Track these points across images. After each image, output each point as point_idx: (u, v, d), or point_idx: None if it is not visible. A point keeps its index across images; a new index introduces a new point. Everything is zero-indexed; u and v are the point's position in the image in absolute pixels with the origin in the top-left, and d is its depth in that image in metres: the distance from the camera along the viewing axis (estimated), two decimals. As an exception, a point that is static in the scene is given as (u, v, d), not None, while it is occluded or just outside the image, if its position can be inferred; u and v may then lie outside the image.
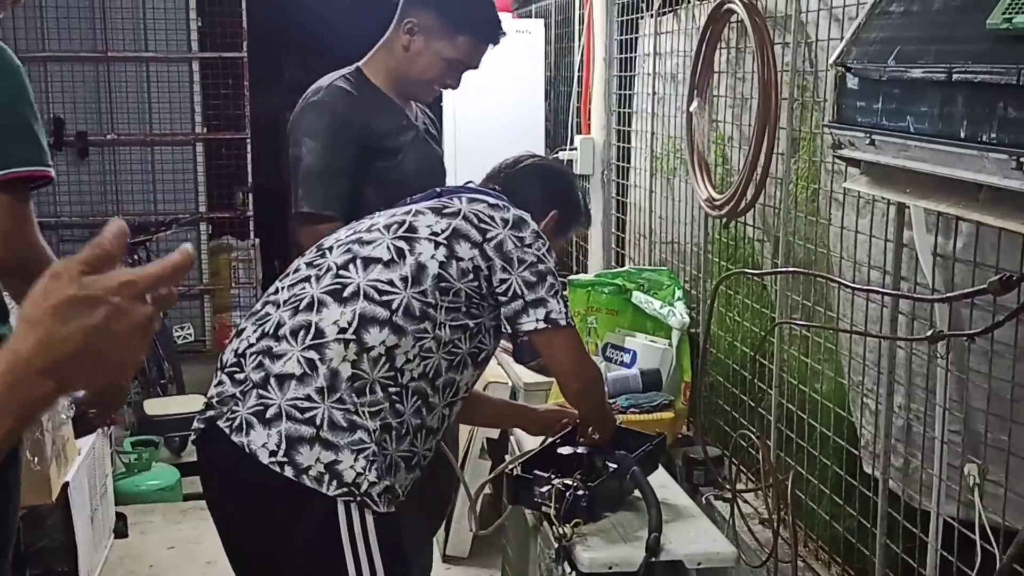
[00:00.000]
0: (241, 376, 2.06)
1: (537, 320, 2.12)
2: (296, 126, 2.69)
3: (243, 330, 2.16)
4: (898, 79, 1.67)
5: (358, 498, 1.97)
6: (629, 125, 4.00)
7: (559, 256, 2.44)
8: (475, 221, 2.15)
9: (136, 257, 6.01)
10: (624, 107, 4.04)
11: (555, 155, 4.43)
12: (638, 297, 3.38)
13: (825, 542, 2.47)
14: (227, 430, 2.01)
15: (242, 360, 2.08)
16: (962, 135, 1.51)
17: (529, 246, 2.15)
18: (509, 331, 2.18)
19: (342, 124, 2.63)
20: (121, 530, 3.95)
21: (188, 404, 4.86)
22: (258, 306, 2.21)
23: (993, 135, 1.43)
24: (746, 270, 2.71)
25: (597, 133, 4.16)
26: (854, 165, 1.89)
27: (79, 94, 7.09)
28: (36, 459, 3.04)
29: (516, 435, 3.11)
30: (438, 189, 2.33)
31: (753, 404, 2.82)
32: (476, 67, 2.74)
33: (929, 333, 1.81)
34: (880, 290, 2.03)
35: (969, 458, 1.88)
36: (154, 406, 4.83)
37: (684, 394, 3.23)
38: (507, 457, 2.87)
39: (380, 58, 2.73)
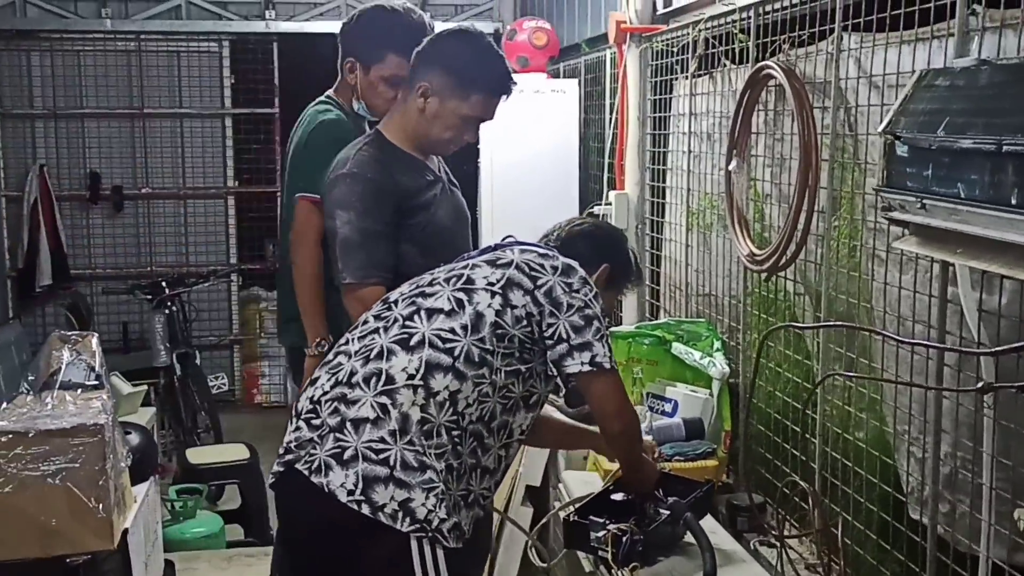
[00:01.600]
0: (318, 422, 2.21)
1: (582, 364, 2.24)
2: (329, 199, 2.78)
3: (317, 379, 2.31)
4: (948, 148, 1.79)
5: (430, 534, 2.10)
6: (663, 181, 4.14)
7: (609, 312, 2.55)
8: (527, 270, 2.29)
9: (172, 308, 6.15)
10: (658, 164, 4.18)
11: (590, 210, 4.57)
12: (678, 348, 3.49)
13: (871, 586, 2.56)
14: (306, 471, 2.16)
15: (318, 407, 2.23)
16: (1013, 202, 1.63)
17: (577, 291, 2.28)
18: (556, 374, 2.29)
19: (374, 191, 2.72)
20: (169, 577, 4.03)
21: (228, 453, 4.97)
22: (330, 356, 2.35)
23: (1044, 203, 1.56)
24: (793, 324, 2.82)
25: (631, 188, 4.29)
26: (903, 226, 2.01)
27: (115, 149, 7.32)
28: (100, 505, 3.13)
29: (564, 482, 3.21)
30: (493, 244, 2.46)
31: (796, 452, 2.92)
32: (491, 119, 2.84)
33: (980, 384, 1.92)
34: (930, 344, 2.14)
35: (1018, 503, 1.98)
36: (196, 455, 4.92)
37: (725, 442, 3.33)
38: (554, 504, 2.97)
39: (398, 120, 2.82)
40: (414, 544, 2.10)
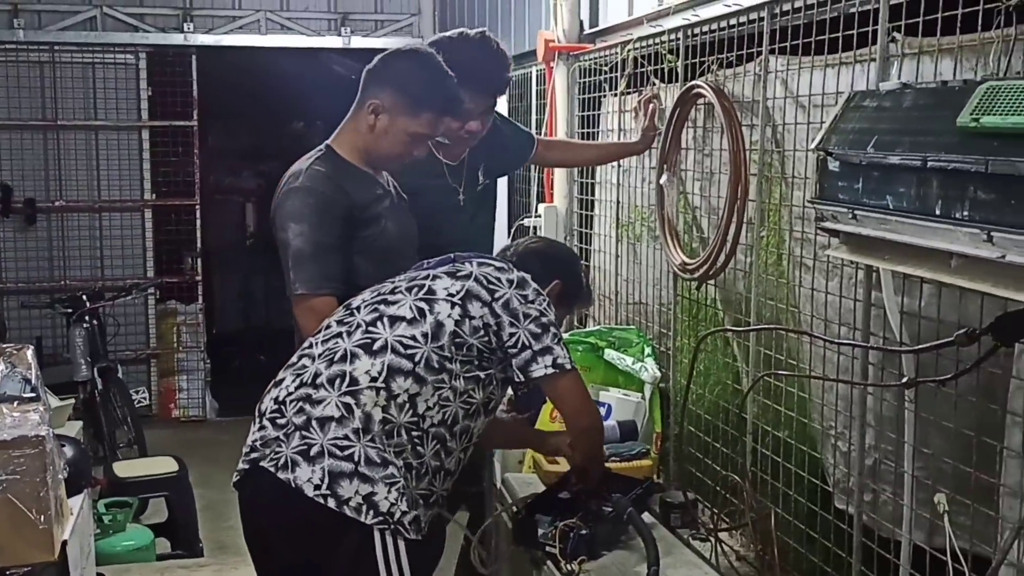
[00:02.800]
0: (283, 421, 2.31)
1: (546, 367, 2.38)
2: (279, 212, 2.82)
3: (281, 380, 2.40)
4: (877, 164, 1.97)
5: (392, 526, 2.23)
6: (592, 194, 4.30)
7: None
8: (485, 283, 2.42)
9: (91, 322, 6.09)
10: (587, 177, 4.33)
11: (519, 222, 4.70)
12: (610, 354, 3.64)
13: (800, 573, 2.73)
14: (272, 468, 2.26)
15: (283, 407, 2.33)
16: (937, 212, 1.81)
17: (532, 302, 2.42)
18: (520, 380, 2.40)
19: (325, 204, 2.78)
20: (102, 590, 4.01)
21: (156, 466, 4.95)
22: (294, 359, 2.45)
23: (966, 213, 1.74)
24: (729, 328, 2.99)
25: (560, 201, 4.44)
26: (834, 235, 2.18)
27: (27, 161, 7.19)
28: (42, 517, 3.13)
29: (507, 483, 3.33)
30: (452, 256, 2.56)
31: (726, 451, 3.09)
32: (439, 136, 2.97)
33: (905, 380, 2.10)
34: (858, 343, 2.32)
35: (938, 489, 2.16)
36: (124, 468, 4.90)
37: (656, 443, 3.49)
38: (496, 507, 3.09)
39: (348, 136, 2.89)
40: (377, 535, 2.22)
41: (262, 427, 2.34)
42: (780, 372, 2.70)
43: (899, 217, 1.90)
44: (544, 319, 2.40)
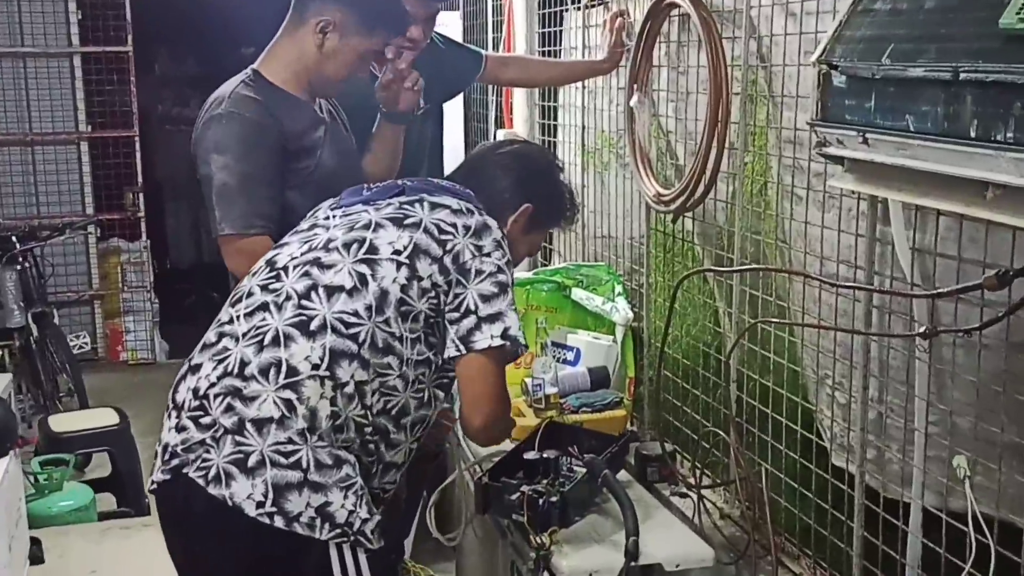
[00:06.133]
0: (208, 420, 1.94)
1: (493, 336, 2.00)
2: (201, 143, 2.55)
3: (198, 366, 2.03)
4: (894, 77, 1.66)
5: (351, 537, 1.91)
6: (554, 119, 3.97)
7: (533, 254, 2.35)
8: (436, 233, 2.06)
9: (24, 264, 5.72)
10: (549, 100, 4.00)
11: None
12: (578, 294, 3.35)
13: (792, 535, 2.48)
14: (201, 481, 1.90)
15: (206, 403, 1.96)
16: (972, 134, 1.51)
17: (488, 255, 2.04)
18: (459, 353, 2.02)
19: (253, 132, 2.51)
20: (37, 556, 3.72)
21: (97, 418, 4.63)
22: (211, 336, 2.07)
23: (1009, 135, 1.44)
24: (713, 268, 2.70)
25: (520, 127, 4.11)
26: (839, 163, 1.88)
27: (-50, 93, 6.72)
28: (-46, 487, 2.84)
29: (467, 444, 3.04)
30: (400, 183, 2.22)
31: (707, 399, 2.82)
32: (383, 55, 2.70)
33: (923, 329, 1.82)
34: (866, 287, 2.04)
35: (957, 450, 1.90)
36: (59, 422, 4.57)
37: (629, 389, 3.22)
38: (460, 465, 2.81)
39: (281, 58, 2.61)
40: (333, 551, 1.90)
41: (182, 427, 1.96)
42: (771, 320, 2.41)
43: (922, 141, 1.60)
44: (501, 277, 2.03)
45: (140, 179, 7.07)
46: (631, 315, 3.21)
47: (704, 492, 2.75)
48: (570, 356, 3.26)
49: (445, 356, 2.05)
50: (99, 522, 4.12)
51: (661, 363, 2.75)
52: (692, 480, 2.77)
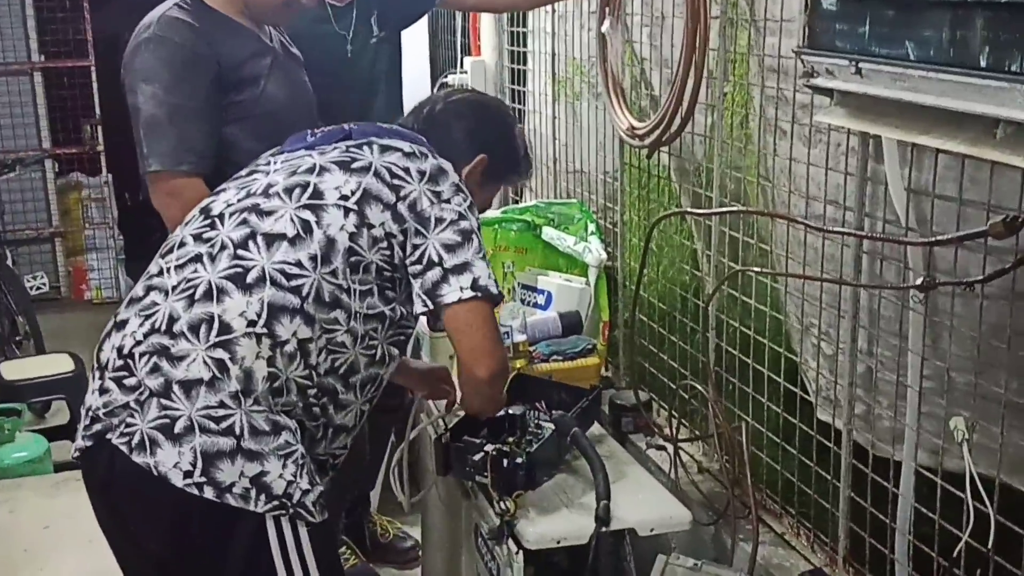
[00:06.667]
0: (132, 382, 1.76)
1: (462, 288, 1.83)
2: (128, 71, 2.36)
3: (124, 322, 1.84)
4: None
5: (290, 510, 1.73)
6: (524, 45, 3.74)
7: (484, 209, 2.19)
8: (387, 177, 1.87)
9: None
10: (518, 26, 3.77)
11: (443, 79, 4.15)
12: (549, 233, 3.16)
13: (774, 491, 2.34)
14: (124, 448, 1.72)
15: (130, 362, 1.77)
16: (982, 63, 1.32)
17: (447, 201, 1.87)
18: (428, 308, 1.86)
19: (185, 59, 2.32)
20: (-13, 512, 3.57)
21: (51, 365, 4.44)
22: (138, 290, 1.88)
23: (1026, 64, 1.25)
24: (691, 211, 2.51)
25: (488, 54, 3.89)
26: (827, 95, 1.69)
27: None
28: None
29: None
30: (347, 127, 2.02)
31: (684, 345, 2.66)
32: None
33: (919, 281, 1.65)
34: (856, 232, 1.86)
35: (954, 411, 1.75)
36: (12, 369, 4.38)
37: (603, 334, 3.06)
38: (423, 417, 2.63)
39: None
40: (270, 525, 1.72)
41: (105, 389, 1.78)
42: (755, 269, 2.23)
43: (924, 71, 1.42)
44: (464, 224, 1.85)
45: (98, 111, 6.77)
46: (604, 256, 3.03)
47: (681, 444, 2.60)
48: (540, 300, 3.09)
49: (415, 312, 1.90)
50: (54, 474, 3.96)
51: (636, 307, 2.58)
52: (669, 432, 2.62)
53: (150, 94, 2.30)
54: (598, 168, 3.21)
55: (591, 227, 3.14)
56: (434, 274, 1.83)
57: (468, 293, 1.82)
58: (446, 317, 1.87)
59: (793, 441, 2.20)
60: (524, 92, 3.78)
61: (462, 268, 1.83)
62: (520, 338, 2.77)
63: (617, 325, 3.09)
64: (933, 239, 1.64)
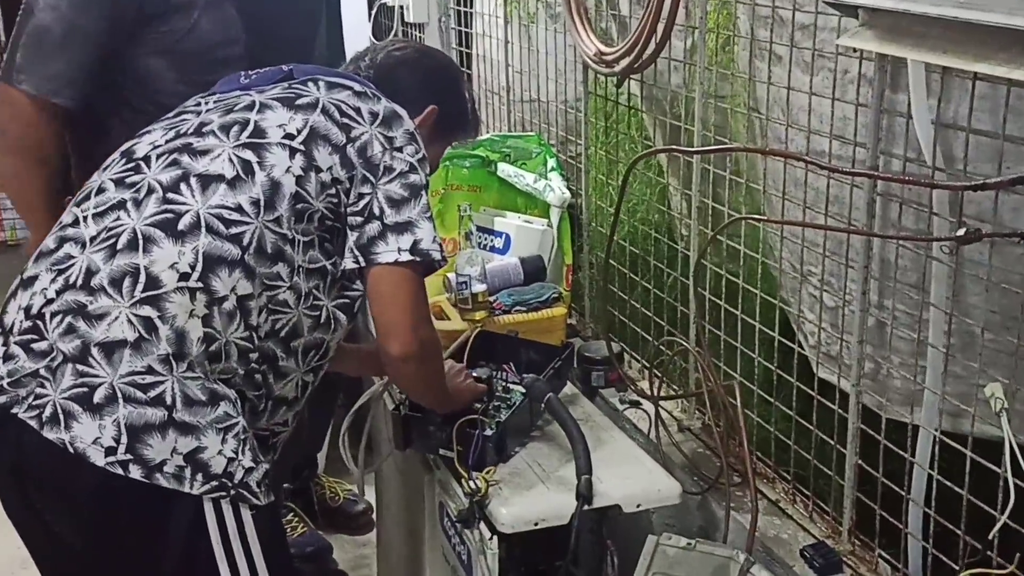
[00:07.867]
0: (43, 346, 1.52)
1: (400, 250, 1.64)
2: None
3: (33, 279, 1.60)
4: None
5: (232, 491, 1.51)
6: (470, -38, 3.43)
7: (434, 169, 1.97)
8: (336, 115, 1.68)
9: None
10: (464, -61, 3.46)
11: (381, 2, 3.83)
12: (505, 170, 2.90)
13: (765, 455, 2.14)
14: (34, 423, 1.49)
15: (40, 323, 1.54)
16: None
17: (399, 149, 1.69)
18: (358, 265, 1.67)
19: None
20: None
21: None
22: (49, 243, 1.64)
23: None
24: (678, 148, 2.26)
25: (433, -29, 3.57)
26: (850, 14, 1.45)
27: None
28: None
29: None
30: (286, 68, 1.79)
31: (660, 292, 2.43)
32: None
33: (962, 232, 1.43)
34: (879, 174, 1.63)
35: (984, 370, 1.54)
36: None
37: (567, 279, 2.82)
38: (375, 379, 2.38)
39: None
40: (209, 508, 1.50)
41: (10, 355, 1.54)
42: (758, 217, 2.00)
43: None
44: (414, 177, 1.67)
45: (3, 37, 6.29)
46: (567, 194, 2.78)
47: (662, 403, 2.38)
48: (499, 243, 2.84)
49: (343, 267, 1.70)
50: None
51: (609, 256, 2.34)
52: (643, 385, 2.40)
53: (52, 4, 2.09)
54: (556, 97, 2.94)
55: (551, 162, 2.88)
56: (373, 228, 1.65)
57: (406, 256, 1.64)
58: (371, 278, 1.67)
59: (788, 400, 1.99)
60: (472, 14, 3.48)
61: (404, 227, 1.65)
62: (479, 288, 2.54)
63: (580, 267, 2.86)
64: (971, 184, 1.41)
